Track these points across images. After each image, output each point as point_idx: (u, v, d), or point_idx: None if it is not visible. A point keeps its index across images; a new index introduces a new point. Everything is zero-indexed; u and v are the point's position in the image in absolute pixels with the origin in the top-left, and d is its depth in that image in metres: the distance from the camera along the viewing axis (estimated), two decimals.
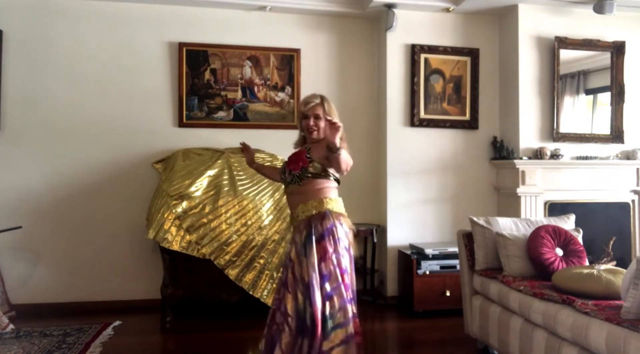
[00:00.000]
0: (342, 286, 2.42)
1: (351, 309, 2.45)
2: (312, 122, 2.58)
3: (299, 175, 2.52)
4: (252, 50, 4.64)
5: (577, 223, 3.56)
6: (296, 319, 2.41)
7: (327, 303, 2.39)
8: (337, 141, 2.36)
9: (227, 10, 4.60)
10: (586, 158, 4.59)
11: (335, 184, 2.59)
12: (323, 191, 2.52)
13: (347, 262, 2.48)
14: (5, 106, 4.26)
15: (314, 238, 2.43)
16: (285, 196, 2.75)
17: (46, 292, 4.27)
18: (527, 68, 4.57)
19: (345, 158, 2.43)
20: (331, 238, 2.43)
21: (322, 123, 2.58)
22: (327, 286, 2.40)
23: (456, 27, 4.76)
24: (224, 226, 3.95)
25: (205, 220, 3.94)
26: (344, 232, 2.50)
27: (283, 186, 2.72)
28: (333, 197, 2.54)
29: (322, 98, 2.65)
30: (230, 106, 4.62)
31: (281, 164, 2.81)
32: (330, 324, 2.37)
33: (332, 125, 2.35)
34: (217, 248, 3.92)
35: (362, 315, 4.33)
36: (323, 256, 2.42)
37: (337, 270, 2.42)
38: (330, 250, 2.42)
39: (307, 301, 2.38)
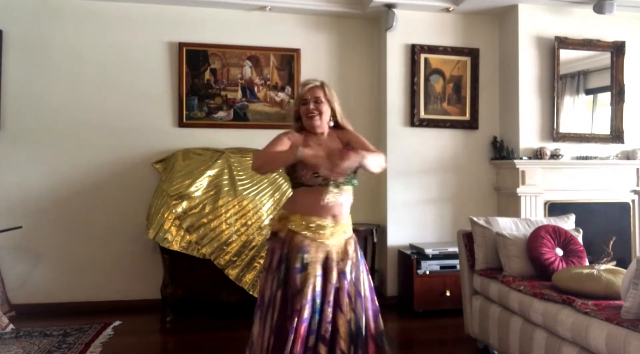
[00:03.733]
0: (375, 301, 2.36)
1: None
2: (312, 106, 2.27)
3: (349, 177, 2.27)
4: (252, 50, 4.64)
5: (577, 223, 3.56)
6: (349, 341, 2.18)
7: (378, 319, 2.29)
8: (358, 160, 2.12)
9: (227, 10, 4.60)
10: (586, 158, 4.59)
11: None
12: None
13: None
14: (5, 106, 4.26)
15: (358, 257, 2.31)
16: (325, 194, 2.24)
17: (46, 292, 4.28)
18: (527, 68, 4.57)
19: (374, 157, 2.23)
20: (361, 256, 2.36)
21: (323, 108, 2.29)
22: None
23: (456, 27, 4.76)
24: (224, 226, 3.95)
25: (205, 220, 3.94)
26: None
27: (324, 185, 2.24)
28: None
29: (323, 82, 2.35)
30: (230, 106, 4.62)
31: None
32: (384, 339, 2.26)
33: (342, 154, 2.10)
34: (217, 248, 3.92)
35: None
36: (367, 275, 2.34)
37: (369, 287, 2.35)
38: (366, 268, 2.37)
39: (360, 320, 2.21)
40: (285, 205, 2.36)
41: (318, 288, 2.17)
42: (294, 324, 2.09)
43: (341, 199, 2.26)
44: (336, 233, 2.26)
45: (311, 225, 2.22)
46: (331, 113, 2.33)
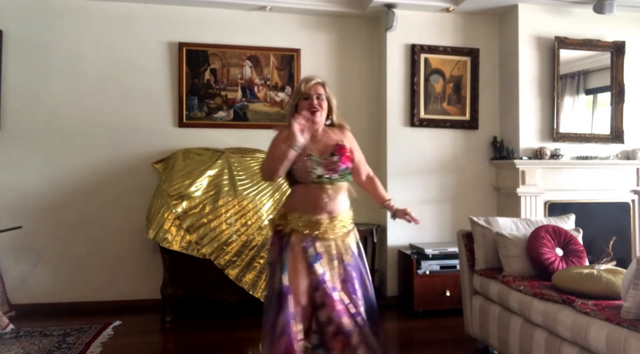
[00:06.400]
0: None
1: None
2: (315, 102, 2.30)
3: (342, 173, 2.31)
4: (252, 50, 4.64)
5: (577, 223, 3.56)
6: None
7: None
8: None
9: (227, 10, 4.60)
10: (586, 158, 4.59)
11: None
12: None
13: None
14: (5, 106, 4.26)
15: (359, 252, 2.39)
16: (319, 191, 2.28)
17: (46, 292, 4.27)
18: (527, 68, 4.57)
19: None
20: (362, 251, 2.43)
21: (324, 104, 2.34)
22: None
23: (456, 27, 4.76)
24: (224, 226, 3.95)
25: (205, 220, 3.94)
26: None
27: (318, 181, 2.28)
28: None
29: (322, 79, 2.40)
30: (230, 106, 4.62)
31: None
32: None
33: None
34: (217, 248, 3.92)
35: None
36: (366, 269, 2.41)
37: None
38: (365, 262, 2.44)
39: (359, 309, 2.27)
40: (284, 203, 2.43)
41: (325, 277, 2.25)
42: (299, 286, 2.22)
43: (335, 195, 2.30)
44: (333, 229, 2.30)
45: (309, 221, 2.27)
46: (329, 110, 2.39)
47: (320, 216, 2.28)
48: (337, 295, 2.22)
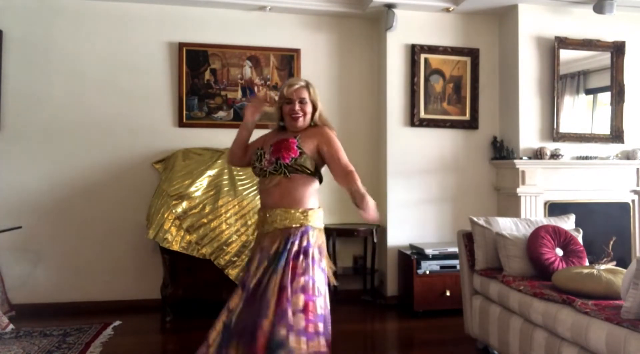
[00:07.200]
0: (309, 314, 2.07)
1: (319, 343, 2.05)
2: (297, 107, 2.27)
3: (287, 166, 2.18)
4: (252, 50, 4.64)
5: (577, 223, 3.56)
6: (235, 324, 2.09)
7: (285, 330, 1.99)
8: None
9: (227, 10, 4.60)
10: (586, 158, 4.59)
11: (318, 184, 2.31)
12: (308, 197, 2.23)
13: (321, 284, 2.17)
14: (5, 106, 4.26)
15: (288, 253, 2.12)
16: (261, 185, 2.31)
17: (46, 292, 4.27)
18: (527, 68, 4.57)
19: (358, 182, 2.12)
20: (308, 257, 2.15)
21: (308, 109, 2.29)
22: (290, 311, 2.03)
23: (456, 27, 4.76)
24: (224, 226, 3.95)
25: (205, 220, 3.94)
26: (321, 251, 2.23)
27: (258, 178, 2.33)
28: (316, 208, 2.27)
29: (307, 81, 2.35)
30: (230, 106, 4.61)
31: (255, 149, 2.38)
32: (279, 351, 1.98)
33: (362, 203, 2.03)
34: (217, 248, 3.92)
35: (362, 315, 4.38)
36: (294, 277, 2.09)
37: (304, 295, 2.08)
38: (302, 270, 2.11)
39: (260, 317, 2.03)
40: None
41: (246, 281, 2.17)
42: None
43: (275, 189, 2.22)
44: (266, 223, 2.23)
45: (260, 215, 2.32)
46: (312, 113, 2.34)
47: (262, 210, 2.30)
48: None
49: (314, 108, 2.33)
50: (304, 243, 2.17)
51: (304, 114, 2.29)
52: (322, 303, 2.15)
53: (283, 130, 2.39)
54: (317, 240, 2.23)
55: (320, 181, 2.32)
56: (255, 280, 2.13)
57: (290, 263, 2.11)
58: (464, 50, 4.75)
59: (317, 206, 2.29)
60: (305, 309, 2.07)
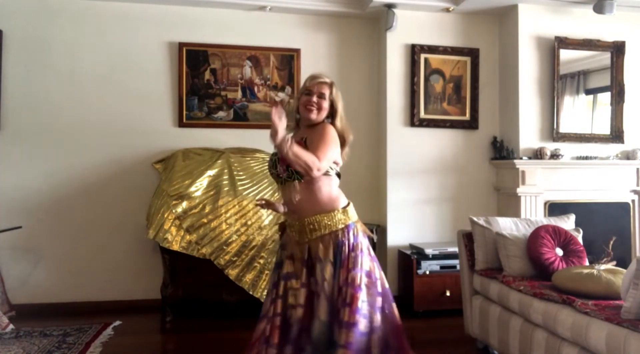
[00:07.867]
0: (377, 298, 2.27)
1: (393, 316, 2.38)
2: (314, 99, 2.24)
3: (298, 171, 2.13)
4: (252, 50, 4.64)
5: (577, 223, 3.56)
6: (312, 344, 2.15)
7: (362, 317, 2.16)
8: (279, 139, 1.99)
9: (227, 10, 4.60)
10: (586, 158, 4.59)
11: (338, 180, 2.28)
12: (337, 195, 2.24)
13: (374, 270, 2.27)
14: (5, 106, 4.26)
15: (342, 255, 2.18)
16: (286, 202, 2.32)
17: (46, 292, 4.27)
18: (527, 68, 4.57)
19: (298, 157, 2.04)
20: (357, 250, 2.20)
21: (324, 104, 2.26)
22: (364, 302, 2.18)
23: (456, 27, 4.76)
24: (224, 226, 3.95)
25: (205, 220, 3.94)
26: (367, 241, 2.29)
27: (277, 184, 2.35)
28: (348, 203, 2.28)
29: (333, 81, 2.34)
30: (230, 106, 4.62)
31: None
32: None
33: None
34: (217, 248, 3.92)
35: None
36: (353, 272, 2.17)
37: (369, 282, 2.22)
38: (359, 263, 2.19)
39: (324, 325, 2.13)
40: None
41: (282, 287, 2.23)
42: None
43: (295, 195, 2.20)
44: (301, 231, 2.23)
45: (288, 222, 2.32)
46: (330, 112, 2.30)
47: (291, 216, 2.29)
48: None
49: (333, 109, 2.30)
50: (352, 240, 2.21)
51: (319, 108, 2.26)
52: (378, 286, 2.28)
53: (298, 126, 2.36)
54: (360, 232, 2.26)
55: (339, 176, 2.30)
56: (329, 287, 2.16)
57: (346, 262, 2.17)
58: (464, 50, 4.75)
59: (347, 200, 2.30)
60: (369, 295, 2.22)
